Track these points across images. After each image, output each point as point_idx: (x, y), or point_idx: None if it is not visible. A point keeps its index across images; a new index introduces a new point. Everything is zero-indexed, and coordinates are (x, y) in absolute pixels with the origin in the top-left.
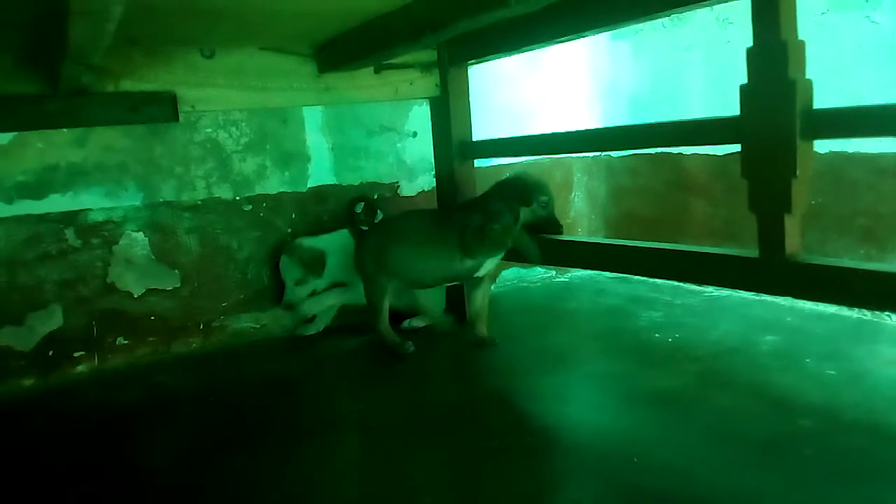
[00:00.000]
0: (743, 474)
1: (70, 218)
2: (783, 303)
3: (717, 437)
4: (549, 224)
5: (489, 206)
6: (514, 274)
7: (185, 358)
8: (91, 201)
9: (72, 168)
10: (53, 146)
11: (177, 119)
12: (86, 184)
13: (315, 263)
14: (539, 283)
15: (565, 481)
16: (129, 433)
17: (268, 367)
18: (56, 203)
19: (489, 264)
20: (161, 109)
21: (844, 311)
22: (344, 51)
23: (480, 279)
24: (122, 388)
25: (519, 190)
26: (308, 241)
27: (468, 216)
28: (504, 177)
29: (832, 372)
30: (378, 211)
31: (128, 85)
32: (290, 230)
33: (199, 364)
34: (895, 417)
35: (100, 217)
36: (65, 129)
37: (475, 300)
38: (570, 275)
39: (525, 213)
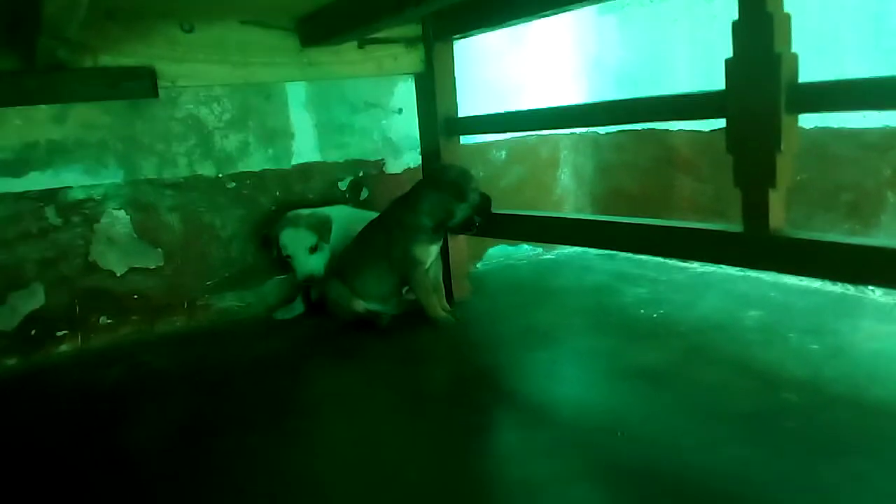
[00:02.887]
0: (727, 448)
1: (50, 196)
2: (767, 278)
3: (702, 412)
4: (485, 204)
5: (411, 222)
6: (500, 251)
7: (170, 337)
8: (71, 179)
9: (51, 145)
10: (32, 123)
11: (156, 95)
12: (66, 161)
13: (323, 228)
14: (526, 261)
15: (549, 455)
16: (113, 413)
17: (253, 345)
18: (36, 181)
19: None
20: (140, 85)
21: (828, 286)
22: (326, 24)
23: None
24: (105, 368)
25: (455, 189)
26: (308, 210)
27: (392, 232)
28: (433, 172)
29: (815, 346)
30: (364, 188)
31: (106, 60)
32: (274, 208)
33: (183, 343)
34: (877, 391)
35: (80, 195)
36: (43, 106)
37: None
38: (556, 252)
39: (463, 209)
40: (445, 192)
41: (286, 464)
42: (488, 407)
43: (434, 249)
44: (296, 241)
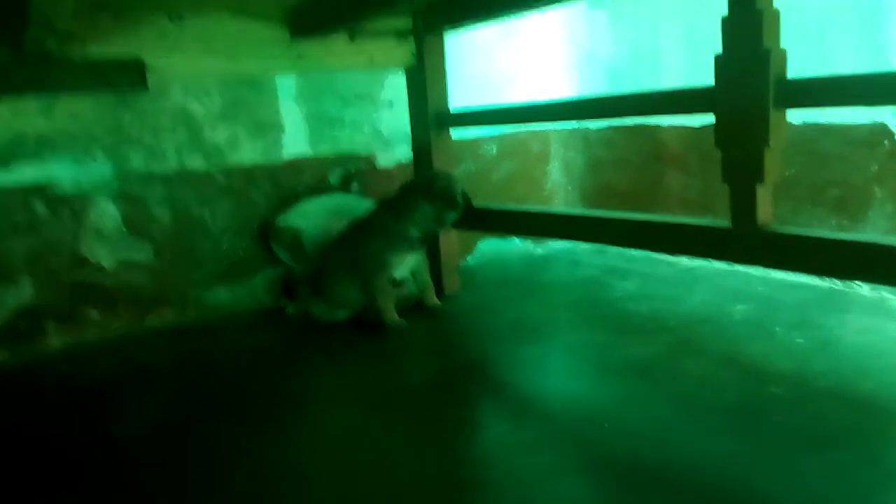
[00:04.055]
0: (713, 440)
1: (38, 189)
2: (755, 273)
3: (689, 405)
4: (468, 203)
5: (393, 227)
6: (491, 246)
7: (159, 331)
8: (59, 171)
9: (39, 138)
10: (20, 115)
11: (145, 87)
12: (53, 154)
13: (296, 248)
14: (516, 255)
15: (537, 447)
16: (102, 407)
17: (243, 340)
18: (24, 174)
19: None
20: (129, 77)
21: (815, 281)
22: (317, 16)
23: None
24: (95, 362)
25: (447, 199)
26: (284, 222)
27: (372, 237)
28: (422, 182)
29: (801, 341)
30: (354, 182)
31: (95, 51)
32: (265, 202)
33: (173, 337)
34: (862, 385)
35: (68, 188)
36: (31, 98)
37: (416, 276)
38: (547, 246)
39: (452, 216)
40: (438, 202)
41: (274, 457)
42: (477, 400)
43: (409, 259)
44: (278, 251)
